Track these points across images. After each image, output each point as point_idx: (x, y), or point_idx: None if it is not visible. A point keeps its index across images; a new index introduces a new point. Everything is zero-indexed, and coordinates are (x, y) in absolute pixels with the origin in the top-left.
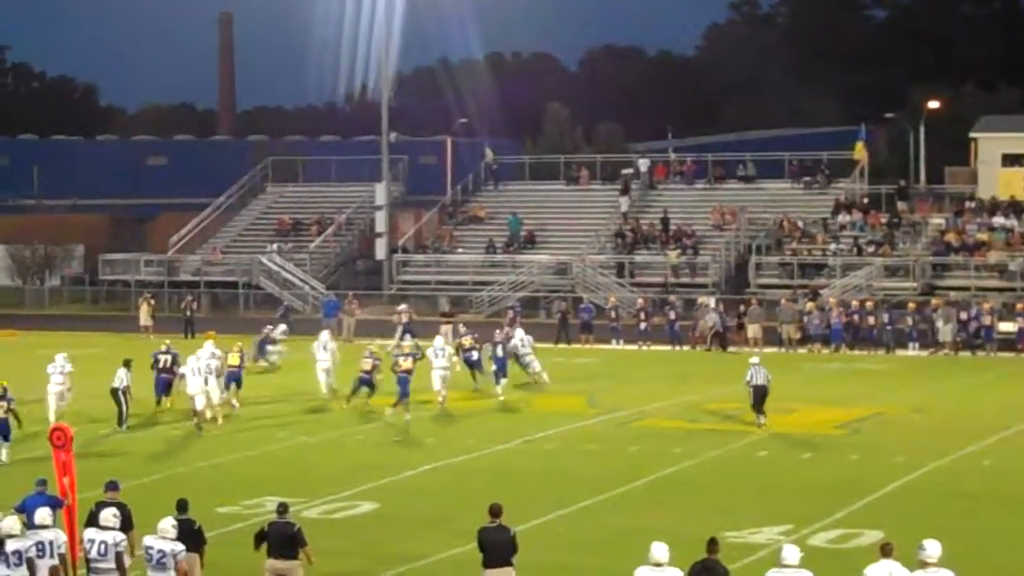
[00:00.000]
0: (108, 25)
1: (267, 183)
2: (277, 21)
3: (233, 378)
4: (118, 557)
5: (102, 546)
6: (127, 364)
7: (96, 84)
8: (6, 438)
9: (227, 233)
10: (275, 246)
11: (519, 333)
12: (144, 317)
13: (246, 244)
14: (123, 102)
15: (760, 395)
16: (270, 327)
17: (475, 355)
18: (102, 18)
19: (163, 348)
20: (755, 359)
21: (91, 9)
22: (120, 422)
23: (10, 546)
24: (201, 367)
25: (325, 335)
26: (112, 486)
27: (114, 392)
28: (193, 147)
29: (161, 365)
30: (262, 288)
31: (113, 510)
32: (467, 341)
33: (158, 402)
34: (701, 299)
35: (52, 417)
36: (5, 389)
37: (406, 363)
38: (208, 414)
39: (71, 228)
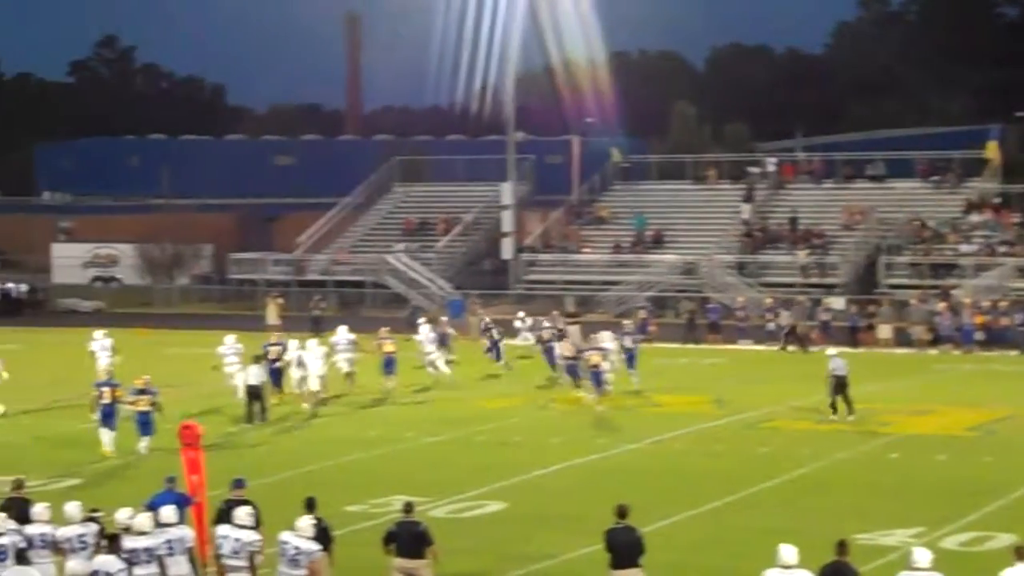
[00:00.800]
0: (236, 26)
1: (394, 183)
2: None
3: (389, 363)
4: (251, 556)
5: (236, 543)
6: (258, 360)
7: (224, 84)
8: (147, 431)
9: (354, 232)
10: (402, 245)
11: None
12: (272, 316)
13: (373, 243)
14: (251, 102)
15: (840, 386)
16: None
17: (557, 348)
18: (230, 19)
19: (273, 340)
20: (832, 350)
21: (219, 10)
22: (250, 419)
23: (141, 543)
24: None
25: (343, 330)
26: (239, 484)
27: (252, 389)
28: (320, 147)
29: (272, 356)
30: (388, 287)
31: (248, 508)
32: (546, 334)
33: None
34: (767, 300)
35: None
36: (147, 383)
37: (594, 357)
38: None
39: (199, 227)
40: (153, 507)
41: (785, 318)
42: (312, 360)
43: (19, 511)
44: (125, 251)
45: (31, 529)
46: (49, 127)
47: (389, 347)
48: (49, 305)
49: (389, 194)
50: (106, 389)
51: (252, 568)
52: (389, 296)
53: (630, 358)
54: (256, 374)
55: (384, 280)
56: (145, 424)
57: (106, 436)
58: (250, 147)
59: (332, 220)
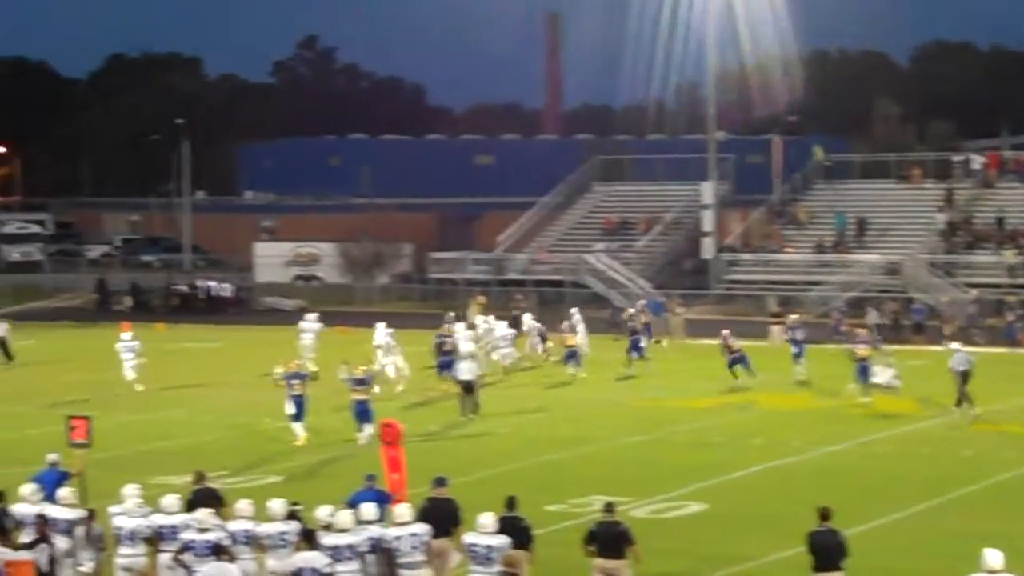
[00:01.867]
0: (436, 25)
1: (593, 182)
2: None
3: (571, 356)
4: (427, 548)
5: (413, 539)
6: (471, 356)
7: (424, 84)
8: (366, 419)
9: (553, 232)
10: (601, 245)
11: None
12: (474, 315)
13: (572, 243)
14: (450, 102)
15: (964, 380)
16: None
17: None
18: (430, 19)
19: (445, 331)
20: (955, 344)
21: (419, 10)
22: (464, 412)
23: (343, 540)
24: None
25: (381, 326)
26: (440, 482)
27: (465, 383)
28: (520, 146)
29: (447, 348)
30: (588, 287)
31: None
32: (638, 325)
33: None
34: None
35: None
36: (366, 373)
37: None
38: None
39: (400, 226)
40: (353, 505)
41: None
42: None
43: (206, 503)
44: (326, 250)
45: (233, 525)
46: (251, 127)
47: (571, 340)
48: (251, 304)
49: (589, 193)
50: (295, 382)
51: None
52: (588, 296)
53: (799, 351)
54: (468, 368)
55: (583, 280)
56: (364, 413)
57: (297, 428)
58: (450, 147)
59: (531, 219)
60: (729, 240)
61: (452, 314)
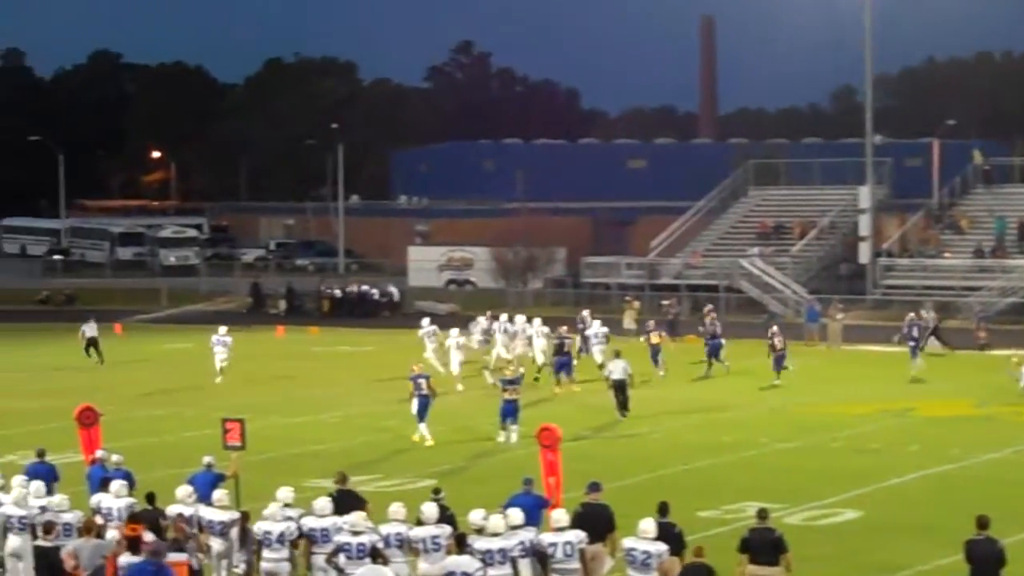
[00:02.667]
0: (590, 29)
1: (748, 186)
2: (758, 22)
3: (655, 354)
4: (581, 554)
5: (567, 547)
6: (618, 355)
7: (578, 88)
8: (514, 419)
9: (708, 236)
10: (756, 249)
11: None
12: (628, 320)
13: (727, 247)
14: (605, 105)
15: None
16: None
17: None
18: (584, 23)
19: (563, 331)
20: None
21: (573, 14)
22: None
23: (495, 544)
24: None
25: (426, 322)
26: (594, 487)
27: (617, 383)
28: (674, 150)
29: (566, 349)
30: (742, 292)
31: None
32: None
33: (557, 382)
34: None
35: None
36: (516, 374)
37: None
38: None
39: (553, 231)
40: (510, 508)
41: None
42: (535, 339)
43: (348, 505)
44: (479, 254)
45: (385, 528)
46: (406, 132)
47: (655, 339)
48: (405, 307)
49: (744, 197)
50: (422, 381)
51: (584, 566)
52: (743, 300)
53: (913, 349)
54: (621, 368)
55: (738, 284)
56: (512, 412)
57: (422, 428)
58: (604, 150)
59: (686, 224)
60: (886, 245)
61: (586, 312)
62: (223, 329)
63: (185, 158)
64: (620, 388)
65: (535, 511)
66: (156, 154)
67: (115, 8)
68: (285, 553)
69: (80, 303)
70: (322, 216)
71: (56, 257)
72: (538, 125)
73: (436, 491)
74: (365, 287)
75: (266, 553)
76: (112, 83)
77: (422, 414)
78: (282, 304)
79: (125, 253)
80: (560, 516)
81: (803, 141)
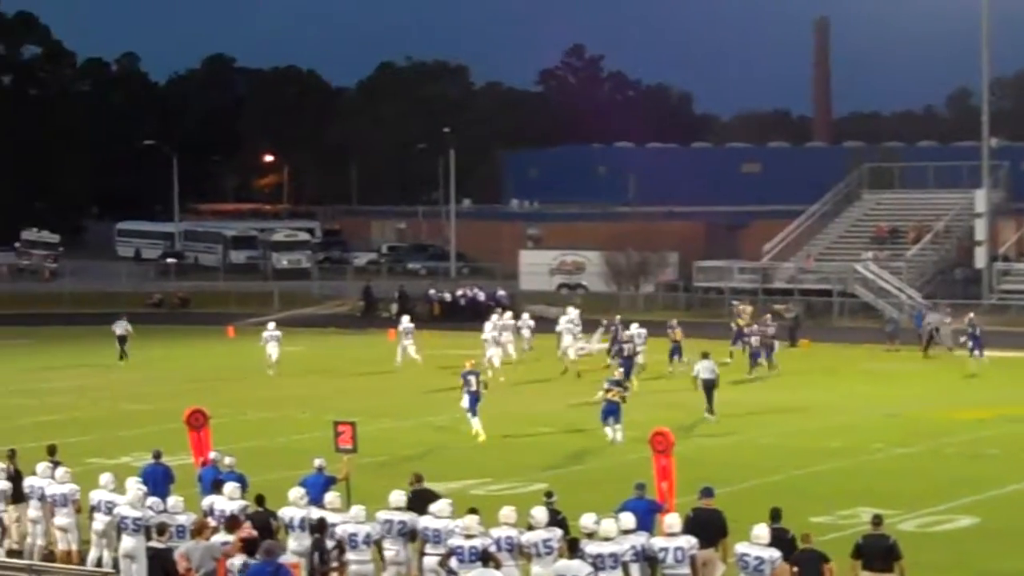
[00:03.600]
0: (703, 33)
1: (863, 190)
2: (873, 25)
3: (675, 351)
4: (692, 560)
5: (678, 552)
6: (706, 356)
7: (691, 92)
8: (617, 419)
9: (821, 240)
10: (870, 254)
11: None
12: (743, 324)
13: (841, 251)
14: (717, 109)
15: None
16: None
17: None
18: (697, 26)
19: (624, 337)
20: None
21: (689, 19)
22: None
23: (607, 548)
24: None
25: (495, 318)
26: (707, 492)
27: (706, 383)
28: (788, 154)
29: (627, 353)
30: (856, 296)
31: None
32: (769, 331)
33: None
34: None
35: None
36: (620, 375)
37: None
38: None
39: (665, 235)
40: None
41: (932, 320)
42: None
43: (424, 503)
44: (591, 258)
45: (497, 532)
46: (517, 136)
47: (677, 336)
48: (515, 311)
49: (858, 201)
50: (471, 377)
51: (695, 571)
52: (857, 305)
53: (973, 348)
54: (708, 368)
55: (852, 289)
56: (614, 412)
57: (475, 422)
58: (716, 155)
59: (799, 228)
60: (1002, 249)
61: (618, 317)
62: (272, 325)
63: (298, 162)
64: (708, 388)
65: (647, 516)
66: (269, 158)
67: (228, 13)
68: (368, 555)
69: (193, 306)
70: (434, 220)
71: (170, 261)
72: (650, 129)
73: (548, 495)
74: (475, 291)
75: (350, 555)
76: (226, 87)
77: (473, 409)
78: (393, 308)
79: (238, 257)
80: (672, 521)
81: (918, 144)
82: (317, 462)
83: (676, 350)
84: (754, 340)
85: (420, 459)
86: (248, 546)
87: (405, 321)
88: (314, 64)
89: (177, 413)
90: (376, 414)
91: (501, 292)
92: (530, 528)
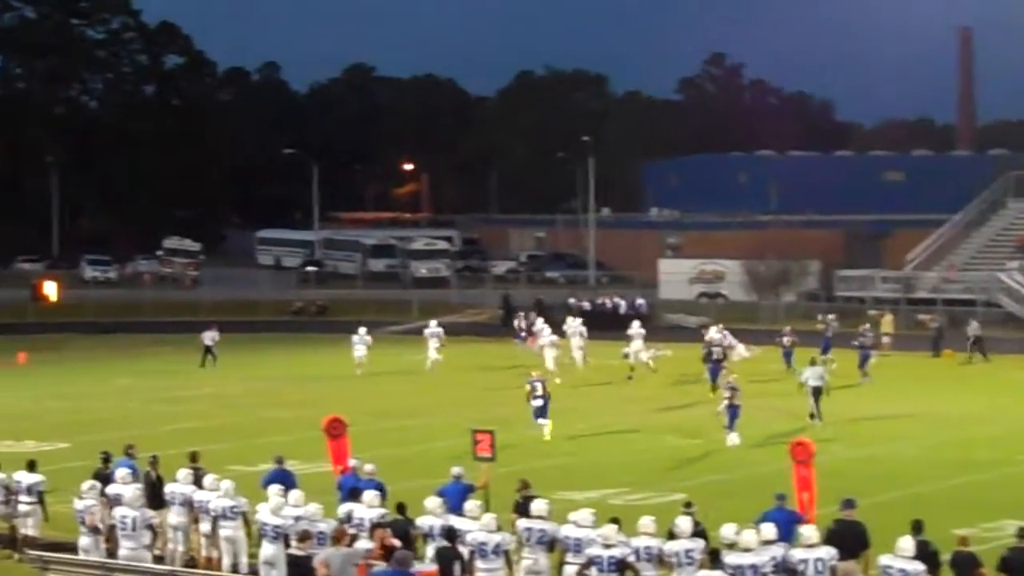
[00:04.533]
0: (844, 41)
1: (1008, 198)
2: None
3: (787, 356)
4: (832, 572)
5: (818, 563)
6: (814, 363)
7: (832, 99)
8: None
9: (965, 250)
10: (1015, 263)
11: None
12: (885, 329)
13: (985, 261)
14: (859, 117)
15: None
16: None
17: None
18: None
19: (714, 341)
20: None
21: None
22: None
23: (747, 559)
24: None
25: (539, 320)
26: (848, 504)
27: (815, 389)
28: (931, 162)
29: (716, 357)
30: (1001, 306)
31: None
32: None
33: (712, 389)
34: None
35: None
36: (734, 381)
37: None
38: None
39: (806, 244)
40: (763, 523)
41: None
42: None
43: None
44: (731, 267)
45: (636, 542)
46: (657, 144)
47: (787, 342)
48: (654, 320)
49: (1003, 210)
50: (538, 384)
51: None
52: (1002, 315)
53: None
54: (816, 375)
55: (996, 299)
56: (734, 416)
57: (543, 422)
58: (858, 163)
59: (943, 237)
60: None
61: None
62: (363, 330)
63: (437, 170)
64: (815, 395)
65: (788, 527)
66: (408, 166)
67: (369, 22)
68: (499, 564)
69: (332, 314)
70: (573, 228)
71: (309, 269)
72: (791, 137)
73: (688, 504)
74: (615, 299)
75: (479, 564)
76: (366, 96)
77: (542, 412)
78: (532, 316)
79: (377, 265)
80: (811, 533)
81: None
82: (455, 471)
83: (788, 355)
84: (786, 340)
85: (557, 469)
86: (389, 554)
87: (546, 331)
88: (453, 73)
89: (314, 421)
90: (511, 422)
91: (641, 301)
92: (672, 537)
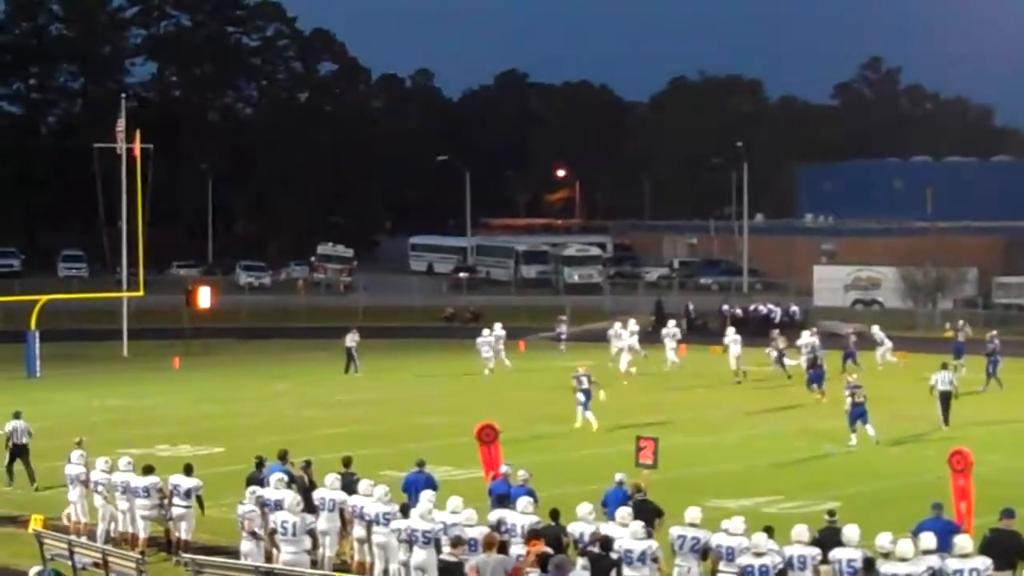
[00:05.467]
0: (1003, 46)
1: None
2: None
3: (993, 364)
4: None
5: (973, 574)
6: (944, 367)
7: (992, 104)
8: (865, 419)
9: None
10: None
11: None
12: None
13: None
14: (1020, 122)
15: None
16: None
17: None
18: (1000, 39)
19: (811, 343)
20: None
21: (988, 31)
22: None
23: (902, 569)
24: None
25: (619, 324)
26: (1008, 514)
27: (943, 395)
28: None
29: (819, 363)
30: None
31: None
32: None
33: (821, 393)
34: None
35: None
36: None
37: None
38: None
39: (964, 250)
40: (919, 533)
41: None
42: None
43: (644, 516)
44: (887, 274)
45: (790, 550)
46: (812, 149)
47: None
48: (807, 327)
49: None
50: (583, 378)
51: None
52: None
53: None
54: (946, 379)
55: None
56: (861, 415)
57: (588, 415)
58: (1018, 169)
59: None
60: None
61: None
62: (487, 331)
63: (589, 176)
64: (944, 400)
65: (945, 537)
66: (561, 173)
67: (522, 28)
68: (646, 571)
69: (484, 321)
70: (726, 234)
71: (462, 275)
72: (949, 142)
73: (831, 513)
74: (769, 306)
75: (626, 571)
76: (518, 102)
77: (585, 405)
78: (682, 323)
79: (529, 271)
80: (965, 542)
81: None
82: (618, 476)
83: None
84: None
85: (710, 476)
86: (542, 561)
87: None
88: (606, 79)
89: (465, 427)
90: (668, 430)
91: (794, 308)
92: (837, 545)
